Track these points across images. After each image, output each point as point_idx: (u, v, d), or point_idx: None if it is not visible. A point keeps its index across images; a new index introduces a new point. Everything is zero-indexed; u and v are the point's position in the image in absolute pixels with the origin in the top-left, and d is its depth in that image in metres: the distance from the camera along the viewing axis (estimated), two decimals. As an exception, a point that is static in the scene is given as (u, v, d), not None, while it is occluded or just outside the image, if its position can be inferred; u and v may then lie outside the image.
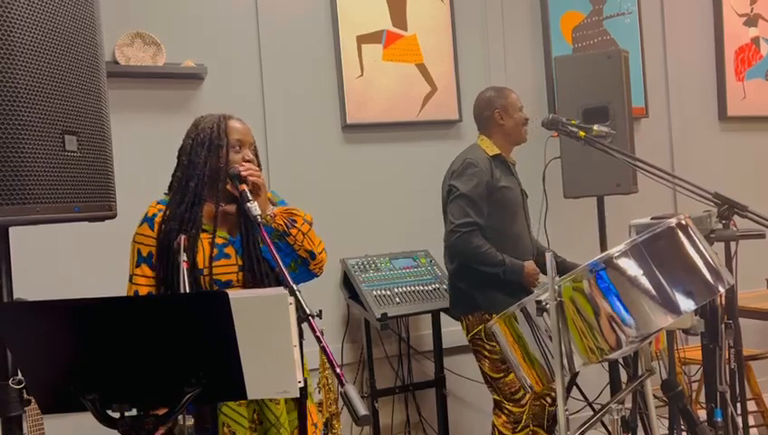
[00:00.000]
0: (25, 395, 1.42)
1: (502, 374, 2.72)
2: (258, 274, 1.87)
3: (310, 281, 1.96)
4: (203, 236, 1.86)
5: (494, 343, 2.65)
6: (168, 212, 1.87)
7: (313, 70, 3.32)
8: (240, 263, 1.88)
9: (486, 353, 2.74)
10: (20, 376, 1.40)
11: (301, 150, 3.28)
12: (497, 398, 2.76)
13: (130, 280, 1.88)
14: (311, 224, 1.93)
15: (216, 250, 1.86)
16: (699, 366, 3.26)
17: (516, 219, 2.82)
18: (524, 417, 2.68)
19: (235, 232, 1.92)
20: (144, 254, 1.87)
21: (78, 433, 2.59)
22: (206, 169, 1.87)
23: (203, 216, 1.87)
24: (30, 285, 1.90)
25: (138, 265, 1.87)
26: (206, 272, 1.84)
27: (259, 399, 1.84)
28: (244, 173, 1.84)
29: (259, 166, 1.97)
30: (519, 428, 2.68)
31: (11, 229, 1.45)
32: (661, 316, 1.61)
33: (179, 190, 1.89)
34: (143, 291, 1.85)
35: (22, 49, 1.31)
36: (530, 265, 2.75)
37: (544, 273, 3.09)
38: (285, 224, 1.87)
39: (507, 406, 2.72)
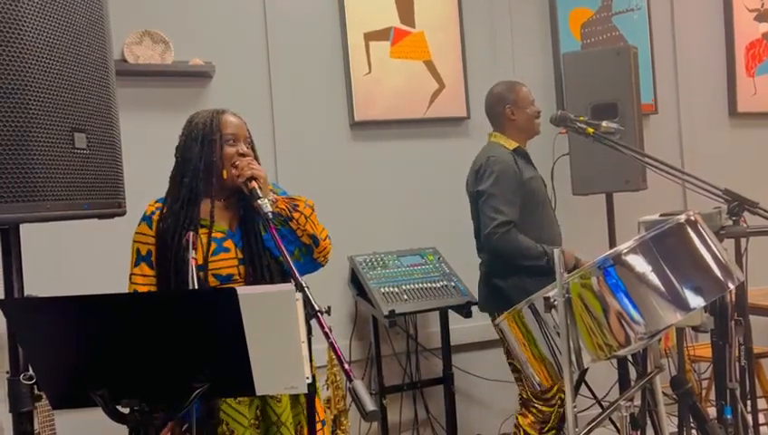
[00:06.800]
0: (36, 391, 1.43)
1: None
2: (259, 267, 1.85)
3: (316, 274, 1.94)
4: (201, 231, 1.84)
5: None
6: (165, 210, 1.86)
7: (321, 67, 3.32)
8: (240, 256, 1.86)
9: None
10: (31, 372, 1.41)
11: (308, 148, 3.28)
12: (525, 395, 2.68)
13: (130, 279, 1.87)
14: (312, 208, 1.91)
15: (214, 245, 1.85)
16: (709, 363, 3.25)
17: (545, 208, 2.79)
18: (553, 417, 2.58)
19: (234, 226, 1.91)
20: (143, 253, 1.86)
21: (88, 428, 2.61)
22: (201, 164, 1.85)
23: (200, 212, 1.85)
24: (40, 282, 1.91)
25: (137, 265, 1.86)
26: (206, 267, 1.82)
27: (262, 397, 1.83)
28: (245, 169, 1.82)
29: (256, 159, 1.95)
30: (546, 428, 2.58)
31: (21, 226, 1.46)
32: (670, 313, 1.60)
33: (175, 187, 1.88)
34: (142, 290, 1.83)
35: (32, 47, 1.32)
36: (566, 249, 2.58)
37: None
38: (288, 208, 1.85)
39: (537, 404, 2.63)
